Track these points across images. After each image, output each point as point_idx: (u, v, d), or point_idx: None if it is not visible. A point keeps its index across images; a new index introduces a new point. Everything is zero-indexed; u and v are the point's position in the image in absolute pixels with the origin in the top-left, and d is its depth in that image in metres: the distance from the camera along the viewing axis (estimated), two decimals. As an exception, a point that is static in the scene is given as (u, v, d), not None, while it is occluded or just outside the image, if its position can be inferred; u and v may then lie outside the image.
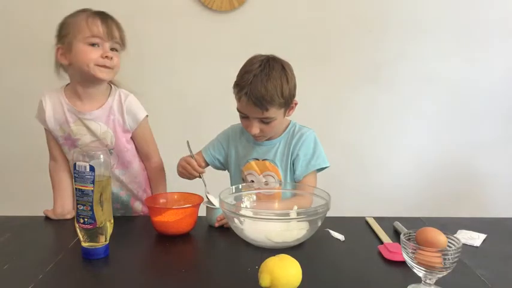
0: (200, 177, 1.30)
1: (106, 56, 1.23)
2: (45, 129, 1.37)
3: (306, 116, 1.46)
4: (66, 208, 1.30)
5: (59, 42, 1.27)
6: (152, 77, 2.15)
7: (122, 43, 1.28)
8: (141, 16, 2.09)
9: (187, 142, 1.32)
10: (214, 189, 1.22)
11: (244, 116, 1.28)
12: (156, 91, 2.14)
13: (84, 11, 1.26)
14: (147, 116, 1.37)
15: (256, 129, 1.27)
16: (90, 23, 1.23)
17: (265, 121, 1.26)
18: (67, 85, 1.34)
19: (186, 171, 1.30)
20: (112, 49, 1.26)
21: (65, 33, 1.25)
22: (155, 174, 1.44)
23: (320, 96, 2.19)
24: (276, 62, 1.26)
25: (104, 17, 1.26)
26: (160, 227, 1.15)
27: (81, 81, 1.29)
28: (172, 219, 1.14)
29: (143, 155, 1.42)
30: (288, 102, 1.27)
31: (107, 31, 1.24)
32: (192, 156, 1.31)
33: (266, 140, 1.36)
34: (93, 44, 1.23)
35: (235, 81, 1.26)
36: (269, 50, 1.32)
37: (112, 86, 1.36)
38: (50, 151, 1.39)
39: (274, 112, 1.24)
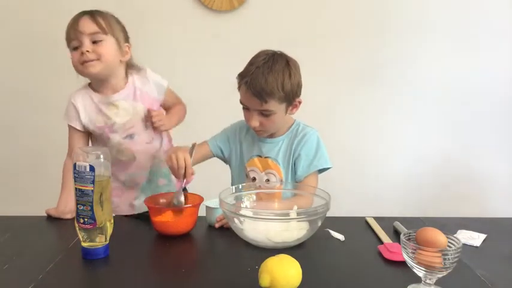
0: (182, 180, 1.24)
1: (82, 53, 1.27)
2: (69, 127, 1.40)
3: (306, 116, 1.45)
4: (69, 206, 1.30)
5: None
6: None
7: (103, 31, 1.29)
8: (141, 16, 2.09)
9: (194, 145, 1.31)
10: (214, 188, 1.21)
11: (245, 108, 1.29)
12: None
13: (76, 14, 1.31)
14: (167, 84, 1.45)
15: (255, 121, 1.27)
16: (68, 29, 1.29)
17: (264, 113, 1.26)
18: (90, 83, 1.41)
19: (173, 168, 1.23)
20: (94, 42, 1.28)
21: (67, 41, 1.32)
22: (177, 108, 1.53)
23: (320, 97, 2.19)
24: (282, 57, 1.27)
25: (78, 16, 1.29)
26: (160, 227, 1.15)
27: (92, 79, 1.36)
28: (172, 219, 1.14)
29: (173, 104, 1.52)
30: (288, 98, 1.26)
31: (79, 30, 1.27)
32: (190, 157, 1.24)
33: (269, 137, 1.36)
34: (75, 48, 1.29)
35: (239, 72, 1.28)
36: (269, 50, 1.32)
37: (127, 68, 1.40)
38: (70, 148, 1.41)
39: (273, 105, 1.24)
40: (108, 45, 1.29)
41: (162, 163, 1.45)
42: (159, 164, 1.46)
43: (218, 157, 1.45)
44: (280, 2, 2.14)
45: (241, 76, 1.26)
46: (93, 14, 1.29)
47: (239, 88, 1.28)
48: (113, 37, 1.31)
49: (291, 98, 1.27)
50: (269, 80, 1.21)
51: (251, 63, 1.27)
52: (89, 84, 1.40)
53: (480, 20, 2.17)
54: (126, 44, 1.37)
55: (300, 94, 1.31)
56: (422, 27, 2.17)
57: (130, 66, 1.41)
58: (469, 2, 2.16)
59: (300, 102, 1.32)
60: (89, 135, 1.42)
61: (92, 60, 1.28)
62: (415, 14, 2.16)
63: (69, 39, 1.30)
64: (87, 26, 1.27)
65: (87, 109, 1.37)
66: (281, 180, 1.34)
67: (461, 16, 2.17)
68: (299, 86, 1.29)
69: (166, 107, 1.50)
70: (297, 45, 2.12)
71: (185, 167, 1.21)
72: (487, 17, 2.17)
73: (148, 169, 1.46)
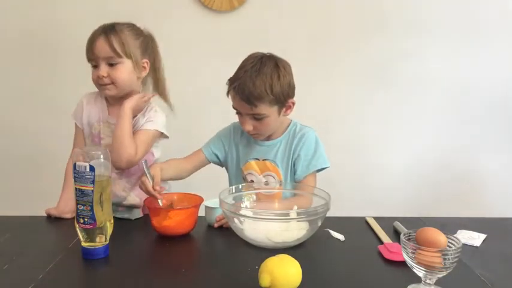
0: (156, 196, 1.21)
1: (99, 77, 1.29)
2: (76, 126, 1.42)
3: (306, 116, 1.45)
4: (69, 206, 1.29)
5: None
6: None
7: (120, 54, 1.29)
8: (141, 16, 2.07)
9: (144, 162, 1.22)
10: (215, 188, 1.21)
11: (238, 112, 1.29)
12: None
13: (95, 30, 1.31)
14: (159, 132, 1.36)
15: (249, 126, 1.27)
16: (87, 48, 1.30)
17: (256, 117, 1.25)
18: None
19: (144, 191, 1.22)
20: (111, 64, 1.29)
21: None
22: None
23: (320, 96, 2.19)
24: (270, 59, 1.26)
25: (95, 36, 1.30)
26: (160, 228, 1.14)
27: None
28: (172, 220, 1.13)
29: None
30: (280, 100, 1.25)
31: (95, 52, 1.28)
32: (147, 176, 1.19)
33: (266, 139, 1.36)
34: (94, 66, 1.31)
35: (229, 77, 1.28)
36: (269, 50, 1.32)
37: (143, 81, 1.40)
38: (74, 147, 1.41)
39: (264, 109, 1.23)
40: (123, 69, 1.30)
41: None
42: (123, 195, 1.40)
43: (214, 163, 1.43)
44: (280, 2, 2.14)
45: (231, 81, 1.26)
46: (108, 36, 1.28)
47: (228, 93, 1.28)
48: (129, 58, 1.31)
49: (283, 99, 1.26)
50: (257, 84, 1.21)
51: (240, 67, 1.26)
52: None
53: (483, 20, 2.16)
54: (144, 60, 1.36)
55: (292, 95, 1.29)
56: (422, 27, 2.16)
57: (155, 88, 1.43)
58: (470, 1, 2.16)
59: (293, 103, 1.30)
60: None
61: (108, 84, 1.30)
62: (415, 14, 2.16)
63: (88, 58, 1.32)
64: (103, 49, 1.28)
65: (91, 112, 1.39)
66: (280, 182, 1.34)
67: (463, 16, 2.16)
68: (290, 87, 1.28)
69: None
70: (297, 45, 2.14)
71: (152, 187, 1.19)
72: (487, 17, 2.16)
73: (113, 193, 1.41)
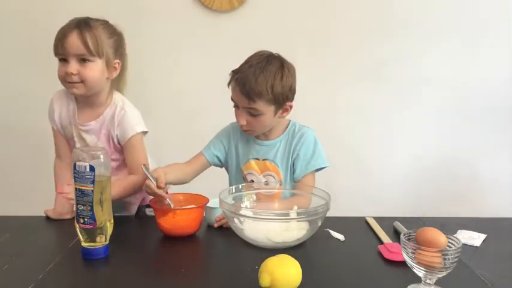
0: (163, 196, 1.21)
1: (67, 73, 1.21)
2: (52, 129, 1.38)
3: (306, 116, 1.46)
4: (67, 207, 1.30)
5: None
6: (152, 77, 2.15)
7: (93, 52, 1.22)
8: (141, 16, 2.09)
9: (143, 166, 1.21)
10: (215, 189, 1.21)
11: (235, 105, 1.29)
12: (156, 91, 2.14)
13: (67, 23, 1.24)
14: (141, 132, 1.32)
15: (243, 120, 1.27)
16: (56, 40, 1.22)
17: (252, 113, 1.25)
18: None
19: (150, 194, 1.22)
20: (82, 60, 1.22)
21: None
22: (126, 182, 1.31)
23: (320, 96, 2.18)
24: (277, 59, 1.27)
25: (67, 29, 1.22)
26: (167, 229, 1.13)
27: None
28: (179, 221, 1.13)
29: (128, 168, 1.35)
30: (278, 101, 1.25)
31: (66, 48, 1.20)
32: (151, 179, 1.19)
33: (266, 139, 1.36)
34: (62, 59, 1.23)
35: (234, 68, 1.28)
36: (269, 50, 1.32)
37: (115, 95, 1.33)
38: (56, 148, 1.40)
39: (261, 106, 1.24)
40: (94, 68, 1.23)
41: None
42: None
43: (215, 165, 1.43)
44: (280, 2, 2.14)
45: (234, 72, 1.27)
46: (82, 31, 1.21)
47: (229, 84, 1.28)
48: (100, 58, 1.24)
49: (281, 101, 1.26)
50: (259, 81, 1.21)
51: (246, 61, 1.27)
52: None
53: (483, 20, 2.16)
54: (116, 60, 1.29)
55: (292, 99, 1.29)
56: (422, 27, 2.16)
57: (115, 85, 1.34)
58: (471, 1, 2.15)
59: (291, 107, 1.30)
60: None
61: (76, 82, 1.22)
62: (415, 14, 2.16)
63: (56, 52, 1.23)
64: (75, 45, 1.20)
65: (61, 114, 1.33)
66: (280, 181, 1.34)
67: (463, 16, 2.16)
68: (291, 90, 1.28)
69: (124, 155, 1.34)
70: (297, 45, 2.14)
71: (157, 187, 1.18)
72: (487, 17, 2.16)
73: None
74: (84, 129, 1.31)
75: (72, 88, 1.24)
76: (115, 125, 1.29)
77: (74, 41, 1.20)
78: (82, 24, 1.23)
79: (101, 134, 1.31)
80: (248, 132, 1.33)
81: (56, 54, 1.24)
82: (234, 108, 1.31)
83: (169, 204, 1.19)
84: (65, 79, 1.23)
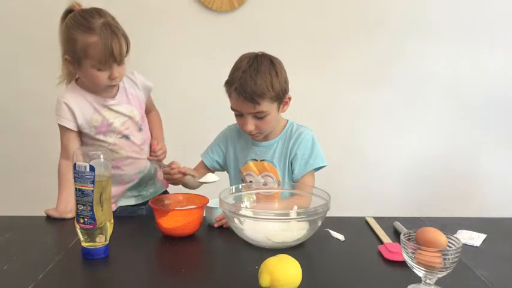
0: (185, 174, 1.30)
1: (112, 78, 1.29)
2: (62, 128, 1.35)
3: (306, 116, 1.46)
4: (69, 206, 1.29)
5: (66, 54, 1.30)
6: (152, 77, 2.14)
7: (127, 55, 1.31)
8: (141, 16, 2.09)
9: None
10: (214, 188, 1.22)
11: (238, 114, 1.29)
12: (156, 91, 2.13)
13: (93, 30, 1.25)
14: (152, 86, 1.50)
15: (251, 125, 1.27)
16: (99, 51, 1.24)
17: (258, 116, 1.26)
18: (76, 80, 1.38)
19: (171, 181, 1.33)
20: (119, 64, 1.30)
21: (74, 49, 1.27)
22: (156, 118, 1.58)
23: (320, 96, 2.19)
24: (264, 57, 1.28)
25: (111, 40, 1.25)
26: (167, 229, 1.13)
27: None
28: (180, 222, 1.12)
29: (147, 109, 1.52)
30: (279, 96, 1.27)
31: (114, 58, 1.26)
32: (162, 166, 1.33)
33: (264, 140, 1.36)
34: (99, 70, 1.28)
35: (226, 80, 1.28)
36: (269, 50, 1.32)
37: None
38: (65, 149, 1.36)
39: (266, 106, 1.24)
40: (124, 66, 1.33)
41: (152, 164, 1.47)
42: (149, 166, 1.47)
43: (216, 170, 1.44)
44: (280, 2, 2.14)
45: (229, 83, 1.26)
46: (123, 38, 1.29)
47: (230, 95, 1.28)
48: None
49: (282, 96, 1.28)
50: (258, 82, 1.22)
51: (236, 68, 1.26)
52: (76, 81, 1.37)
53: (482, 20, 2.16)
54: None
55: (288, 90, 1.31)
56: (422, 27, 2.16)
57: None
58: (470, 1, 2.15)
59: (289, 98, 1.32)
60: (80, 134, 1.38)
61: (114, 86, 1.35)
62: (415, 14, 2.16)
63: (95, 60, 1.25)
64: (122, 52, 1.28)
65: (83, 110, 1.34)
66: (278, 182, 1.34)
67: (463, 16, 2.16)
68: (286, 82, 1.30)
69: (146, 110, 1.51)
70: (297, 44, 2.14)
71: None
72: (489, 16, 2.16)
73: (138, 170, 1.44)
74: (115, 103, 1.38)
75: (112, 87, 1.35)
76: (139, 86, 1.45)
77: (121, 47, 1.28)
78: (121, 36, 1.30)
79: (130, 100, 1.41)
80: (256, 136, 1.33)
81: (100, 64, 1.27)
82: (236, 118, 1.31)
83: (193, 176, 1.30)
84: (108, 84, 1.31)
